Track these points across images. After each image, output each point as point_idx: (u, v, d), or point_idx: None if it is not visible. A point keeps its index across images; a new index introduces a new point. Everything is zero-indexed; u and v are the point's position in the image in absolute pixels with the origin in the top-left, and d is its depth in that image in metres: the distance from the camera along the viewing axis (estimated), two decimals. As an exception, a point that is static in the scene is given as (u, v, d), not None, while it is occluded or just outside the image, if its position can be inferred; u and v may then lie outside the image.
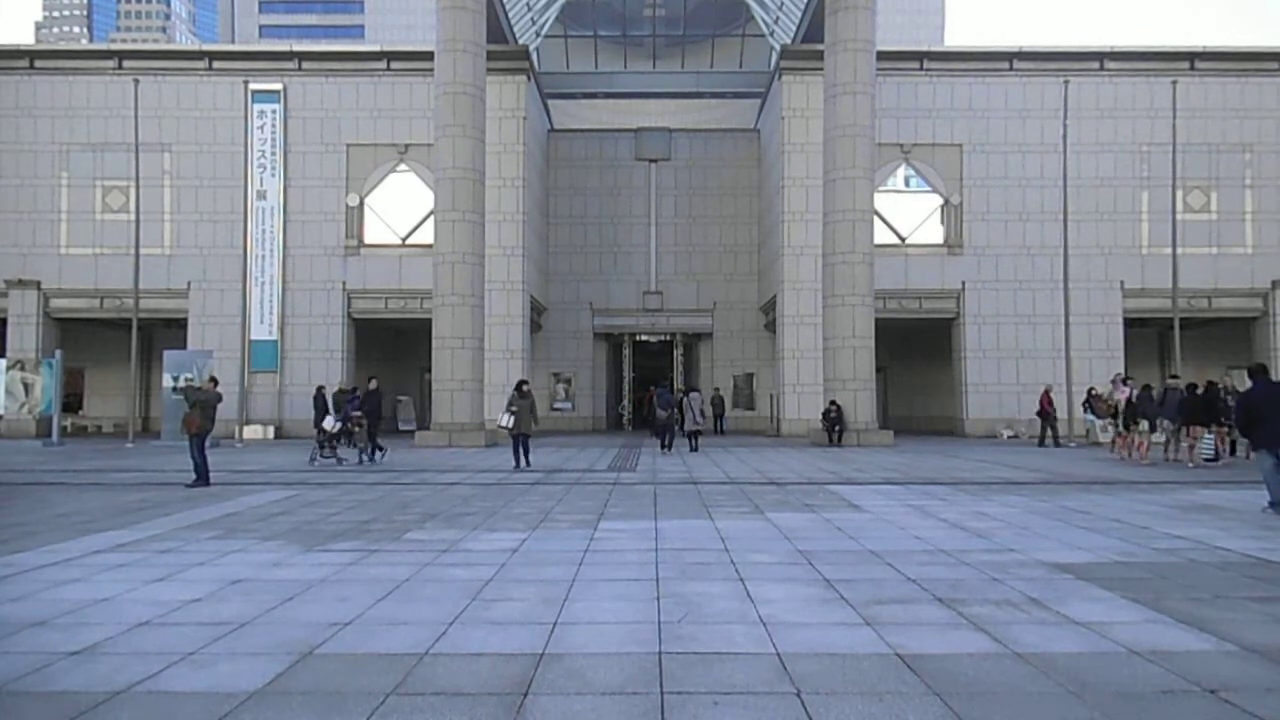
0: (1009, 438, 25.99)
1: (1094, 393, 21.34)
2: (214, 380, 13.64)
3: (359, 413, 17.29)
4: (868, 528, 8.73)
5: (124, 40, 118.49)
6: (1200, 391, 16.49)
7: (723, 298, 32.62)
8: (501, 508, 10.29)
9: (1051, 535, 8.22)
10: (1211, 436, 16.34)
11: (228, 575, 6.47)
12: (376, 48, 29.31)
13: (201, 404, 12.77)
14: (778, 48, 30.22)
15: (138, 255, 24.37)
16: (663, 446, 20.65)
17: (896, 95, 27.69)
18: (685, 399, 21.70)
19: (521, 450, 15.86)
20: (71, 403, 29.89)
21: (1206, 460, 16.11)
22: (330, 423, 16.76)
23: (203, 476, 12.54)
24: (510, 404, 16.17)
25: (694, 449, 20.47)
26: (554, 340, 32.49)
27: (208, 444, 12.85)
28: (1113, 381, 19.96)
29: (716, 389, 31.46)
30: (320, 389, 17.63)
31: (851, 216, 22.99)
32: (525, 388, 16.52)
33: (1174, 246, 24.83)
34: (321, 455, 16.79)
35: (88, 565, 6.86)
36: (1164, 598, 5.69)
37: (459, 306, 22.49)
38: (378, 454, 17.19)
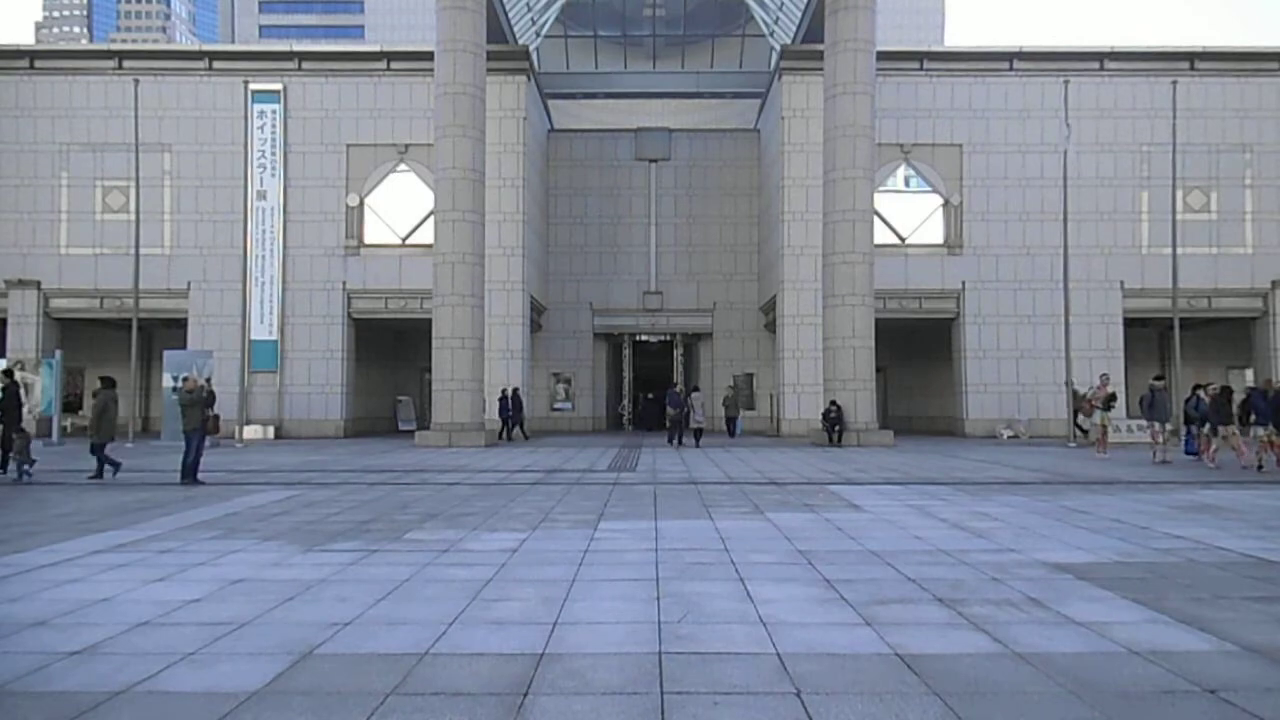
0: (1009, 438, 25.98)
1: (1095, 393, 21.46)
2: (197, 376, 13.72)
3: None
4: (868, 528, 8.72)
5: (124, 40, 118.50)
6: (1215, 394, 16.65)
7: (723, 298, 32.61)
8: (502, 508, 10.28)
9: (1051, 535, 8.22)
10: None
11: (228, 575, 6.46)
12: (376, 48, 29.30)
13: (193, 404, 12.85)
14: (778, 48, 30.21)
15: (138, 255, 24.36)
16: (670, 441, 22.56)
17: (896, 95, 27.69)
18: (689, 398, 22.95)
19: (99, 460, 13.28)
20: (71, 403, 29.85)
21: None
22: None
23: (190, 474, 12.61)
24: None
25: (695, 445, 21.92)
26: (554, 340, 32.49)
27: (206, 444, 12.86)
28: (1101, 381, 20.58)
29: (730, 388, 30.70)
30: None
31: (851, 216, 22.99)
32: (99, 390, 13.46)
33: (1174, 246, 24.81)
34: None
35: (88, 565, 6.85)
36: (1164, 598, 5.69)
37: (459, 306, 22.50)
38: (11, 467, 13.54)
